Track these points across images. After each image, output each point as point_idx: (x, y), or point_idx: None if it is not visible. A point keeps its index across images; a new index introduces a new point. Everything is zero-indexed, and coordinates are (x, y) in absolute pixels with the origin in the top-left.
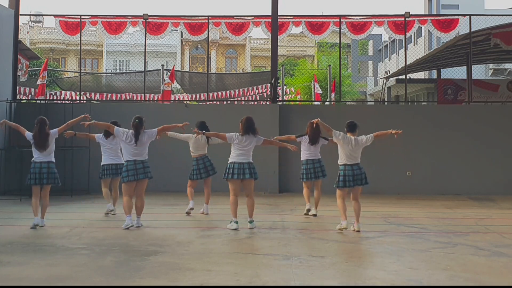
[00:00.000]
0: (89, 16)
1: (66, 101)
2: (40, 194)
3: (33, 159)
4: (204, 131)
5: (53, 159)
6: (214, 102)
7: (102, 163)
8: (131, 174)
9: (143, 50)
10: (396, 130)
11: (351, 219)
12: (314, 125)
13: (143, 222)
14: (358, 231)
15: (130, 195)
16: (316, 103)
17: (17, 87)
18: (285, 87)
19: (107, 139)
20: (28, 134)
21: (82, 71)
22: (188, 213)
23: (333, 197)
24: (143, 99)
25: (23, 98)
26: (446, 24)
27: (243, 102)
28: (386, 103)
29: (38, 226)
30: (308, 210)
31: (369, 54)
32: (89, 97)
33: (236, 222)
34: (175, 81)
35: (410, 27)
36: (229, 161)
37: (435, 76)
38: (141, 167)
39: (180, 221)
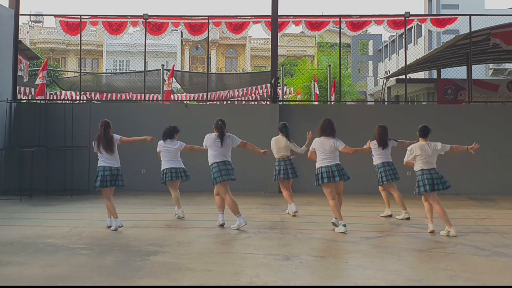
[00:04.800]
0: (90, 16)
1: (66, 101)
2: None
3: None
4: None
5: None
6: (214, 102)
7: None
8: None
9: (143, 50)
10: (472, 147)
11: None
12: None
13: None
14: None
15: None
16: (315, 103)
17: (17, 87)
18: (285, 87)
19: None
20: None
21: (82, 71)
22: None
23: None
24: (143, 99)
25: (23, 98)
26: (444, 22)
27: (243, 102)
28: (386, 103)
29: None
30: (390, 216)
31: (369, 54)
32: (89, 97)
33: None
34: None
35: (408, 24)
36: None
37: (435, 76)
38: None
39: (180, 221)
